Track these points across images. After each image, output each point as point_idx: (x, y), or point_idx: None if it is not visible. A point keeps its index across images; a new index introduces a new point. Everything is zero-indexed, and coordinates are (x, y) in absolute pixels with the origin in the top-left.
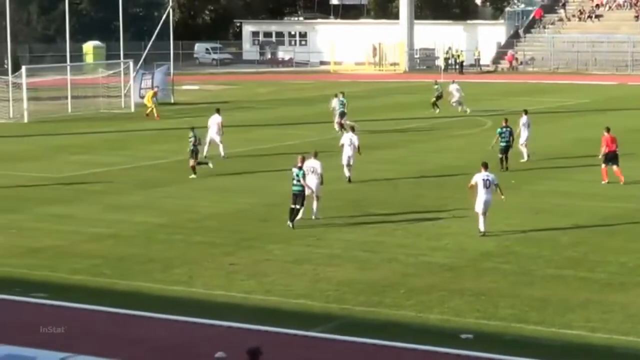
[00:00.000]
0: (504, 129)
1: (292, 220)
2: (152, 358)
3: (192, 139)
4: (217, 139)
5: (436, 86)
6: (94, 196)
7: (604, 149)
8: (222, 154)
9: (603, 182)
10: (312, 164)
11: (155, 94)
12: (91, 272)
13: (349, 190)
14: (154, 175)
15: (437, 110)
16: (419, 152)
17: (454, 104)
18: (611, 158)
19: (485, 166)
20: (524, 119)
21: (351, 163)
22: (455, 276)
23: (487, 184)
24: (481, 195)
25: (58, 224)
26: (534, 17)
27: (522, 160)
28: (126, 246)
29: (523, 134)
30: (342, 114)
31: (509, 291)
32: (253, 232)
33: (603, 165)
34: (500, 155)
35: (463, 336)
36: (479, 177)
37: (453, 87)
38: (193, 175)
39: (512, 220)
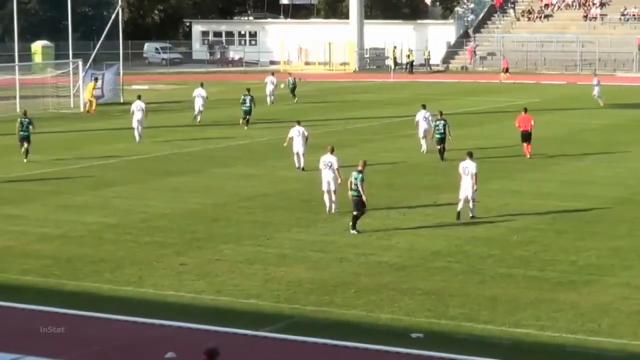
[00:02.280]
0: (438, 122)
1: (354, 227)
2: (102, 359)
3: (22, 126)
4: (136, 123)
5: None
6: (44, 196)
7: (517, 126)
8: (137, 139)
9: (527, 158)
10: (329, 159)
11: (94, 87)
12: (41, 272)
13: (299, 189)
14: (104, 175)
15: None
16: (369, 151)
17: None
18: (526, 136)
19: (470, 155)
20: (421, 113)
21: (302, 153)
22: (406, 275)
23: (466, 172)
24: (461, 182)
25: (7, 225)
26: (493, 4)
27: (421, 151)
28: (76, 246)
29: (421, 127)
30: (248, 112)
31: (459, 290)
32: (204, 232)
33: (524, 144)
34: (437, 147)
35: (413, 335)
36: (460, 166)
37: (268, 80)
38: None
39: (462, 219)
